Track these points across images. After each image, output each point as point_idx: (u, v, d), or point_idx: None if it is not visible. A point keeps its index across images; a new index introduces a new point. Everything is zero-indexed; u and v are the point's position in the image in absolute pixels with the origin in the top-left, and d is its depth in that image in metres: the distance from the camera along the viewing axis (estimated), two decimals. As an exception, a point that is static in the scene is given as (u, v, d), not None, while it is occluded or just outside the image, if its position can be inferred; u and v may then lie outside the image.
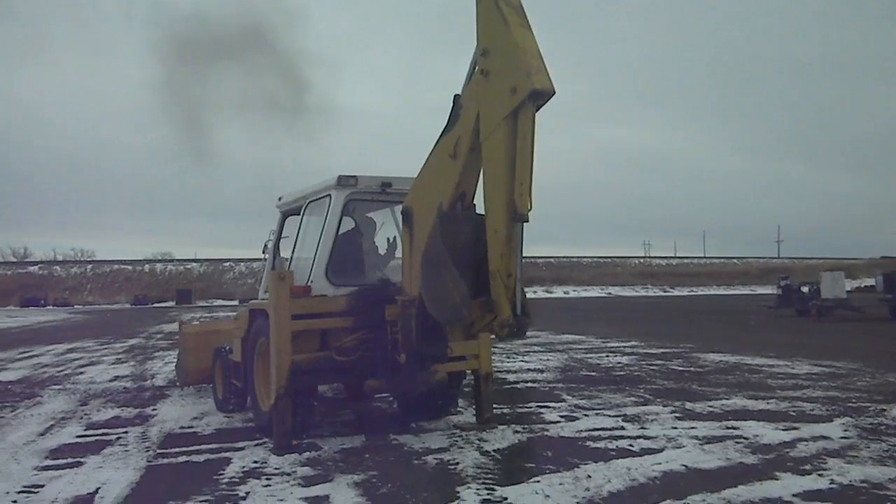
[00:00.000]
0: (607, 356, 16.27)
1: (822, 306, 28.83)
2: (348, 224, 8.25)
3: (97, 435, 8.44)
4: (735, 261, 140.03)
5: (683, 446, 7.22)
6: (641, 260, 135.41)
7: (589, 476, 6.16)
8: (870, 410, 8.96)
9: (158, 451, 7.56)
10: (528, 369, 13.98)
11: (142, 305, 72.17)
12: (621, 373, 13.27)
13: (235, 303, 79.47)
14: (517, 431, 8.08)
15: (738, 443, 7.34)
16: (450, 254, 6.43)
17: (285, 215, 9.37)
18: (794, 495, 5.57)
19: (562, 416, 8.93)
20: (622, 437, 7.68)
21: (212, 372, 10.34)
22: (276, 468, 6.72)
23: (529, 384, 11.93)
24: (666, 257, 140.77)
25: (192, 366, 11.08)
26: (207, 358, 10.83)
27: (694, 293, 70.17)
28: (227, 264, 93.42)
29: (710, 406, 9.48)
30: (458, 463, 6.74)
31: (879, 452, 6.83)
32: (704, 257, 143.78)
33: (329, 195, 7.94)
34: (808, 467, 6.37)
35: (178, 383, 11.91)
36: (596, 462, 6.64)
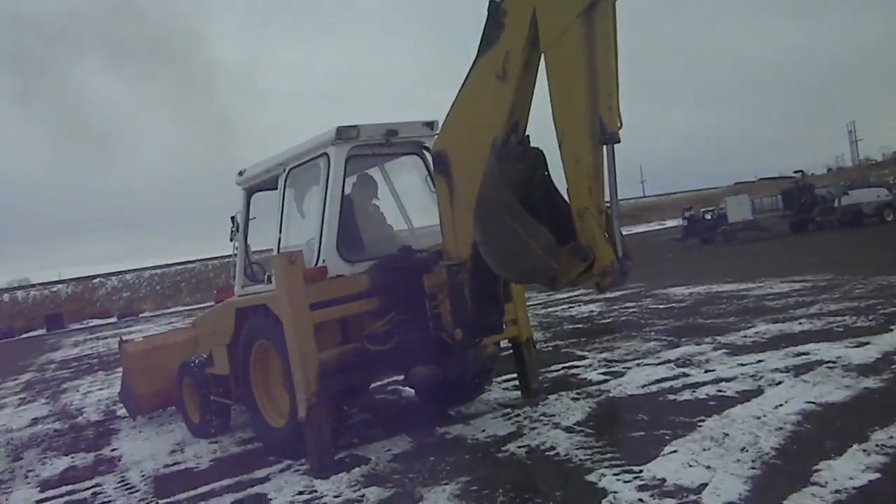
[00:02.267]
0: (570, 307, 15.52)
1: (729, 230, 29.57)
2: (349, 186, 6.81)
3: (63, 495, 6.69)
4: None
5: (780, 382, 6.40)
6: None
7: (726, 434, 5.19)
8: (913, 313, 8.56)
9: (161, 501, 5.97)
10: (506, 333, 12.92)
11: (8, 338, 65.74)
12: (606, 320, 12.50)
13: (113, 319, 73.92)
14: (575, 399, 7.03)
15: (830, 368, 6.62)
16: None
17: (250, 192, 7.76)
18: (981, 413, 4.82)
19: (604, 374, 7.95)
20: (700, 384, 6.79)
21: (178, 393, 8.62)
22: (336, 496, 5.33)
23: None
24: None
25: (143, 390, 9.29)
26: (161, 378, 9.11)
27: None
28: (96, 281, 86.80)
29: (746, 336, 8.80)
30: (553, 448, 5.59)
31: None
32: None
33: (326, 154, 6.45)
34: (945, 380, 5.70)
35: (127, 414, 10.00)
36: (710, 417, 5.69)
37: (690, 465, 4.69)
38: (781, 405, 5.69)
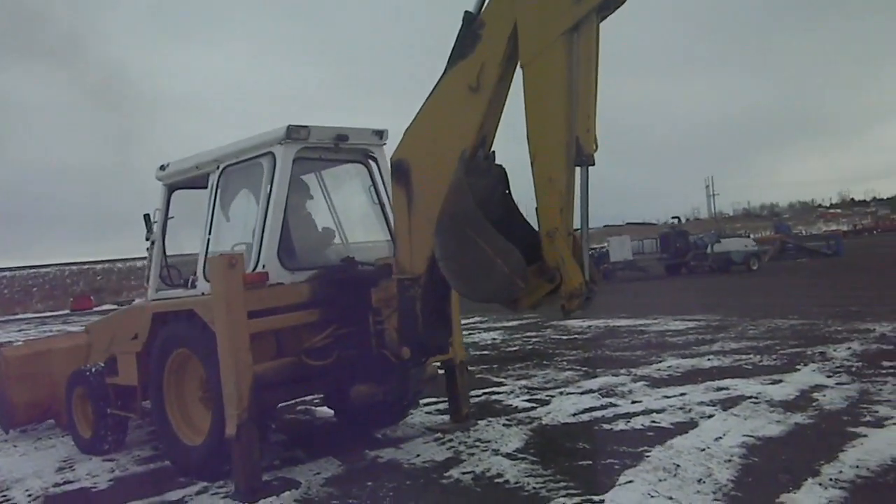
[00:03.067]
0: (471, 333, 15.45)
1: (610, 269, 30.72)
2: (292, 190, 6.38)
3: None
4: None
5: (711, 415, 6.53)
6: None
7: (677, 465, 5.18)
8: (813, 355, 9.04)
9: (58, 525, 5.29)
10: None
11: None
12: (512, 348, 12.52)
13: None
14: (507, 425, 6.88)
15: (755, 403, 6.82)
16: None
17: (172, 189, 7.17)
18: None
19: (529, 402, 7.85)
20: (632, 415, 6.81)
21: (66, 404, 7.77)
22: (271, 522, 4.89)
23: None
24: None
25: (21, 399, 8.36)
26: (44, 387, 8.26)
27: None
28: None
29: (660, 370, 8.99)
30: (500, 475, 5.40)
31: (902, 393, 6.69)
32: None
33: (272, 153, 6.04)
34: (869, 419, 5.97)
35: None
36: (654, 447, 5.68)
37: (652, 496, 4.62)
38: (721, 437, 5.76)
